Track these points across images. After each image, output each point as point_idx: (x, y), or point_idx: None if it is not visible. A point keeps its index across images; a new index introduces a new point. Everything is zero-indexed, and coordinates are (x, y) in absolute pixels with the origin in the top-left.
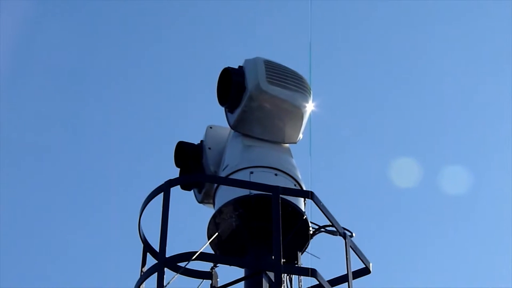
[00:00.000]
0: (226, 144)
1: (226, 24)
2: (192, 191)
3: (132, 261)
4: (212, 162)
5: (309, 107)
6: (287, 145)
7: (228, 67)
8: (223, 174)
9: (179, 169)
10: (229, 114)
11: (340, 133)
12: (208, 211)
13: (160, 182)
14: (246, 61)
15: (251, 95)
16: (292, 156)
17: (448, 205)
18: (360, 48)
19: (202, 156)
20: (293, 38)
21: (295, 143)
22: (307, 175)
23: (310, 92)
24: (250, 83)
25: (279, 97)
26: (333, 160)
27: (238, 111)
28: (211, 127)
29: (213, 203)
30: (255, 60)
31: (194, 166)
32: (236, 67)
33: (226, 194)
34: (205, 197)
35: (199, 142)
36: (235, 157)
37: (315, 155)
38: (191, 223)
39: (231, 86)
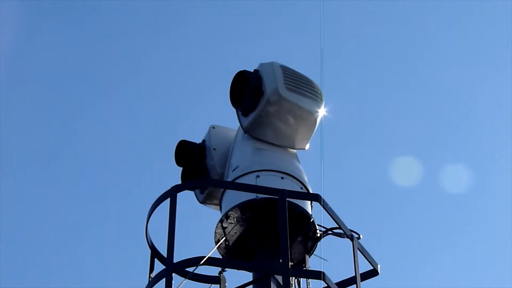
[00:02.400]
0: (233, 145)
1: (229, 25)
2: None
3: (140, 267)
4: (218, 163)
5: (321, 113)
6: (294, 150)
7: (245, 70)
8: (232, 175)
9: (181, 168)
10: (242, 117)
11: (341, 134)
12: (215, 215)
13: (165, 185)
14: (262, 65)
15: (269, 100)
16: (299, 161)
17: (449, 203)
18: (359, 48)
19: (205, 156)
20: (294, 40)
21: (304, 149)
22: (313, 179)
23: (323, 99)
24: (268, 88)
25: (296, 103)
26: (335, 162)
27: (253, 115)
28: (213, 127)
29: (220, 207)
30: (272, 65)
31: (198, 166)
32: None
33: (232, 198)
34: (208, 198)
35: (200, 141)
36: (246, 159)
37: (319, 158)
38: (198, 228)
39: (249, 90)
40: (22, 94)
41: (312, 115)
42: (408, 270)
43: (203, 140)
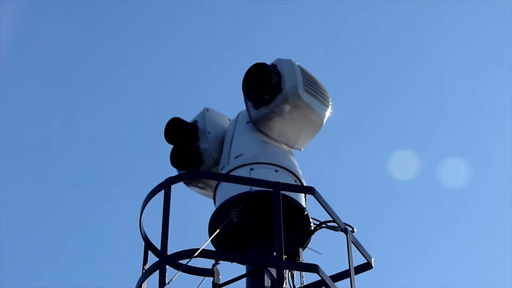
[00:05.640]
0: (233, 132)
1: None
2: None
3: (133, 259)
4: (214, 148)
5: (326, 118)
6: (291, 148)
7: (264, 63)
8: (235, 162)
9: (171, 146)
10: (252, 108)
11: (339, 128)
12: (208, 207)
13: (160, 178)
14: (280, 61)
15: (287, 99)
16: (293, 155)
17: (447, 198)
18: (358, 42)
19: (198, 138)
20: (289, 34)
21: (300, 150)
22: (312, 174)
23: (330, 105)
24: (288, 86)
25: (310, 106)
26: (332, 155)
27: (265, 109)
28: (207, 110)
29: (214, 199)
30: (291, 63)
31: (190, 146)
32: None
33: (227, 190)
34: (193, 180)
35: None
36: (252, 149)
37: (315, 151)
38: (192, 220)
39: (268, 85)
40: (21, 91)
41: (321, 119)
42: (403, 263)
43: (195, 121)
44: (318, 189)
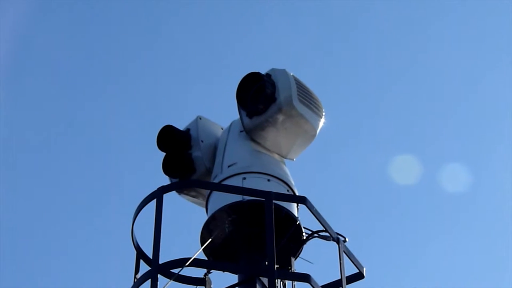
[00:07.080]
0: (226, 140)
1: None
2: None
3: (125, 268)
4: (206, 157)
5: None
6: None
7: (259, 72)
8: (228, 171)
9: (163, 153)
10: (246, 117)
11: (337, 132)
12: (201, 216)
13: (152, 186)
14: (275, 70)
15: (280, 108)
16: (285, 164)
17: (447, 202)
18: (357, 44)
19: (190, 146)
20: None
21: (293, 160)
22: (308, 182)
23: (323, 116)
24: (282, 96)
25: (304, 116)
26: (332, 159)
27: (259, 118)
28: (200, 118)
29: (206, 208)
30: (286, 73)
31: (182, 154)
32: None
33: (219, 200)
34: (186, 189)
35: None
36: (246, 159)
37: (314, 156)
38: (185, 229)
39: (263, 94)
40: (21, 91)
41: (314, 130)
42: (400, 271)
43: (188, 129)
44: (317, 194)
